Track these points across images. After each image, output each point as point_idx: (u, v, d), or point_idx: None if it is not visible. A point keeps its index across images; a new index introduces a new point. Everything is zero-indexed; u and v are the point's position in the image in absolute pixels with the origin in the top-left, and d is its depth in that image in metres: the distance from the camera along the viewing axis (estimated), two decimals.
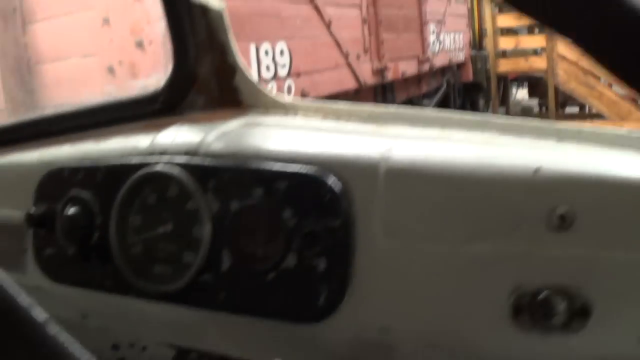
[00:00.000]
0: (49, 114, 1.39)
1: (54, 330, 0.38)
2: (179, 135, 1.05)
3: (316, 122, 1.09)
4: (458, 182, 0.82)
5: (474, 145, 0.90)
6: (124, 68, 3.18)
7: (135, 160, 1.02)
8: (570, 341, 0.77)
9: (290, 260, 0.88)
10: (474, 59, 8.29)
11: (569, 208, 0.77)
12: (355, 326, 0.86)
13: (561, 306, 0.77)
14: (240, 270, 0.92)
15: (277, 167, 0.91)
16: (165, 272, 0.97)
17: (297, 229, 0.88)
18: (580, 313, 0.77)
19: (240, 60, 1.16)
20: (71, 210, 1.03)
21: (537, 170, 0.78)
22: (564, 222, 0.77)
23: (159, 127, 1.11)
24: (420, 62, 6.29)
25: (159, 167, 0.98)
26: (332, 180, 0.87)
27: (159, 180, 0.98)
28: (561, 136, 0.90)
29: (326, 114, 1.11)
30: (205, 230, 0.93)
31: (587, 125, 0.91)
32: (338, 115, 1.10)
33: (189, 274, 0.94)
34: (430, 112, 1.05)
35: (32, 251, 1.12)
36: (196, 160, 0.97)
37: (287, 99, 1.18)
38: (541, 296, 0.78)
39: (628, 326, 0.76)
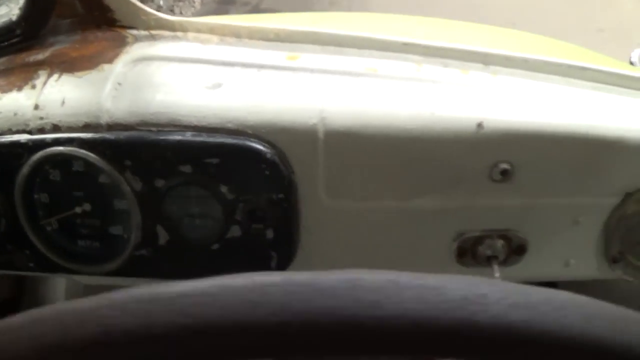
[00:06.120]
0: None
1: None
2: (66, 98, 0.87)
3: (217, 49, 0.97)
4: (400, 143, 0.81)
5: (405, 83, 0.85)
6: None
7: (24, 139, 0.85)
8: (507, 272, 0.86)
9: (235, 231, 0.85)
10: None
11: (509, 163, 0.80)
12: None
13: (500, 247, 0.84)
14: (180, 243, 0.87)
15: (203, 139, 0.81)
16: (93, 251, 0.90)
17: (237, 201, 0.83)
18: (517, 251, 0.85)
19: None
20: None
21: (479, 126, 0.79)
22: (504, 176, 0.81)
23: (28, 76, 0.91)
24: None
25: (60, 149, 0.83)
26: (270, 152, 0.80)
27: (64, 161, 0.85)
28: (488, 62, 0.88)
29: (223, 34, 0.99)
30: (132, 207, 0.85)
31: (514, 48, 0.89)
32: (238, 35, 0.99)
33: (125, 251, 0.88)
34: (342, 29, 0.97)
35: None
36: (101, 137, 0.83)
37: (172, 17, 1.02)
38: (482, 241, 0.85)
39: (556, 256, 0.87)
